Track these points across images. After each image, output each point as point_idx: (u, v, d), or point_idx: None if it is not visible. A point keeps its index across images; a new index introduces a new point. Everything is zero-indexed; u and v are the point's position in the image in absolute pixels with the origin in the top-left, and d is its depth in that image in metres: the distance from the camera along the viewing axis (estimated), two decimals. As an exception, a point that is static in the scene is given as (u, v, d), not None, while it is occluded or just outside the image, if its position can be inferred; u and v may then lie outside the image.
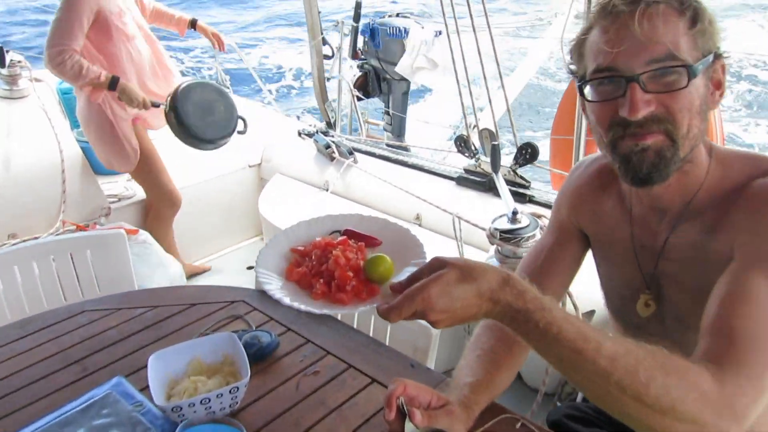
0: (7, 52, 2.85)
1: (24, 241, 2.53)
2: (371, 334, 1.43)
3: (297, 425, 1.09)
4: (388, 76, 4.13)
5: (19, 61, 2.91)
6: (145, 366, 1.13)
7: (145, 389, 1.14)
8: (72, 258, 1.78)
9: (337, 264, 0.99)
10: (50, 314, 1.47)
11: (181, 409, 1.03)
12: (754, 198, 0.93)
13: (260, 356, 1.25)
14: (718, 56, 0.93)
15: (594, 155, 1.21)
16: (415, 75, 3.46)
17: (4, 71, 2.88)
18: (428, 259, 0.87)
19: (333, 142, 3.39)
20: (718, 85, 0.95)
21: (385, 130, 4.49)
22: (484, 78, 2.50)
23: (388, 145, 3.65)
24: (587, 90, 0.96)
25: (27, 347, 1.35)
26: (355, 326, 1.45)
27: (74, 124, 3.59)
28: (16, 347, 1.35)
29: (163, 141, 3.23)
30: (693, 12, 0.89)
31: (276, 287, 0.99)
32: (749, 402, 0.77)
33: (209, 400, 1.05)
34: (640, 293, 1.10)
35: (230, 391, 1.06)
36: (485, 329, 1.16)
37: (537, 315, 0.77)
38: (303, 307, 0.93)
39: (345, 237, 1.08)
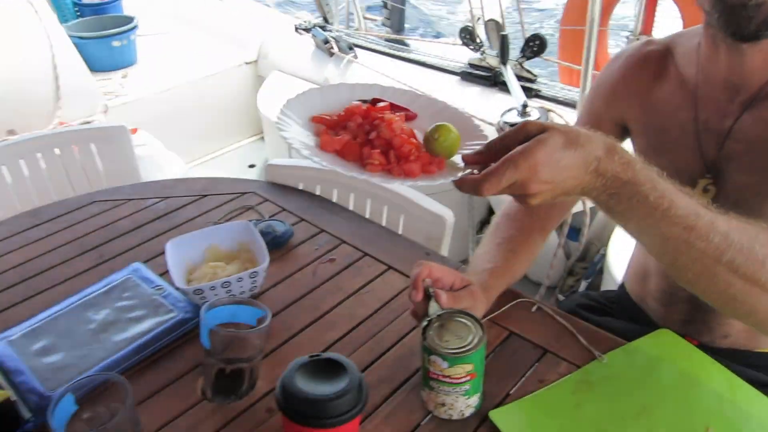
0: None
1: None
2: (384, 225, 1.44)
3: (316, 309, 1.11)
4: (387, -34, 3.94)
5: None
6: (161, 253, 1.14)
7: (164, 274, 1.16)
8: (76, 151, 1.75)
9: (391, 130, 0.79)
10: (61, 204, 1.46)
11: (203, 291, 1.05)
12: None
13: (275, 245, 1.26)
14: None
15: (634, 44, 1.15)
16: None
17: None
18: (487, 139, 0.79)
19: (332, 36, 3.28)
20: None
21: (383, 24, 4.34)
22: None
23: (387, 39, 3.54)
24: None
25: (40, 235, 1.35)
26: (367, 216, 1.45)
27: (63, 18, 3.46)
28: (29, 235, 1.35)
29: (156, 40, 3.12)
30: None
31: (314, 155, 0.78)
32: None
33: (230, 284, 1.06)
34: (698, 179, 1.03)
35: (250, 275, 1.07)
36: (505, 218, 1.17)
37: (646, 187, 0.69)
38: (377, 179, 0.77)
39: (385, 104, 0.89)
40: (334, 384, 0.74)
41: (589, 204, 1.96)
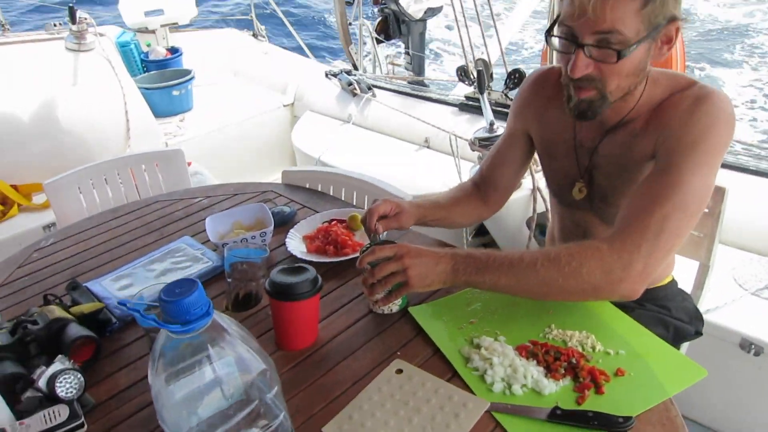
0: (76, 10, 3.34)
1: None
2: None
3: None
4: (406, 19, 4.50)
5: (86, 18, 3.40)
6: (204, 230, 1.64)
7: (205, 243, 1.66)
8: (144, 169, 2.30)
9: (337, 234, 1.57)
10: (132, 204, 2.00)
11: (228, 244, 1.53)
12: (669, 109, 1.19)
13: (283, 220, 1.74)
14: (673, 19, 1.11)
15: (540, 69, 1.48)
16: (417, 9, 3.85)
17: (74, 27, 3.38)
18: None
19: (354, 80, 3.83)
20: (668, 41, 1.14)
21: (406, 69, 4.89)
22: (477, 14, 2.88)
23: (403, 80, 4.07)
24: (553, 37, 1.18)
25: (118, 225, 1.87)
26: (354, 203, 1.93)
27: (132, 72, 4.13)
28: (111, 224, 1.88)
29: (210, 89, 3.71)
30: None
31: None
32: (643, 253, 1.09)
33: (246, 240, 1.55)
34: (575, 181, 1.40)
35: (260, 235, 1.56)
36: (457, 188, 1.62)
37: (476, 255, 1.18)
38: (326, 259, 1.51)
39: (334, 222, 1.65)
40: (299, 278, 1.21)
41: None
